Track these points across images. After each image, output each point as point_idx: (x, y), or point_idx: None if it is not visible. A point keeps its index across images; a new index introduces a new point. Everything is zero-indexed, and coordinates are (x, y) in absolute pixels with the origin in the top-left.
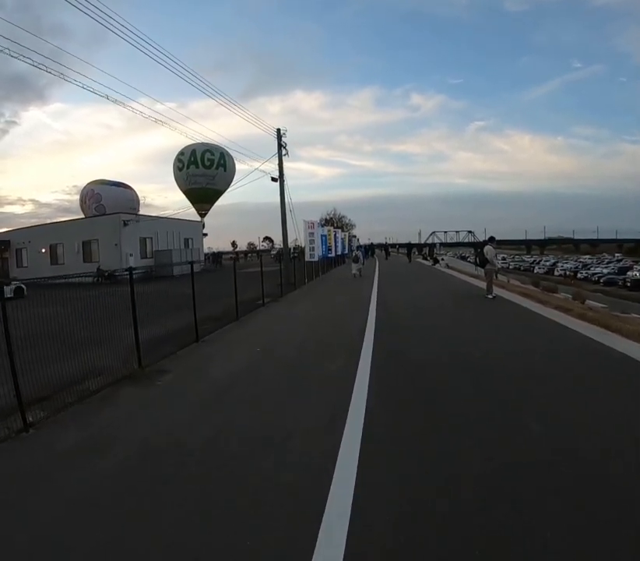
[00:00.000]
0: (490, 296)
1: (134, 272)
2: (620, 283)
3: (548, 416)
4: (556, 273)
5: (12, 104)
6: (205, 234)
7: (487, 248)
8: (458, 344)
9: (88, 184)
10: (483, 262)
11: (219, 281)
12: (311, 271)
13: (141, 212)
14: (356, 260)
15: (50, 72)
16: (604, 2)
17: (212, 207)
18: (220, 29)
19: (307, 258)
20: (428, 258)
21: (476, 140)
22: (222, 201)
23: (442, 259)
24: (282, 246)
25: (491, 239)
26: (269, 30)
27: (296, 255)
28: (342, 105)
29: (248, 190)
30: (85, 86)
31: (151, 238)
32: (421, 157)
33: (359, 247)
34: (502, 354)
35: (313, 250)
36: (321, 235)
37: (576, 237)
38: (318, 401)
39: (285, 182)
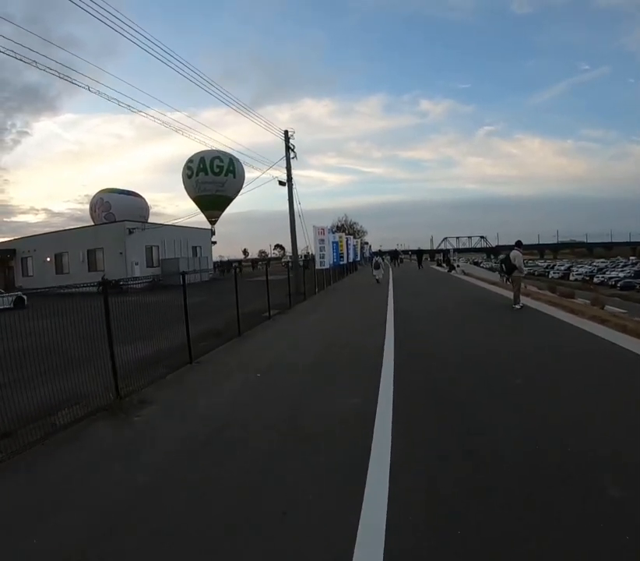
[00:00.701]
0: (517, 306)
1: (139, 281)
2: (637, 287)
3: None
4: (571, 277)
5: (24, 114)
6: (214, 242)
7: (514, 254)
8: (502, 373)
9: (97, 192)
10: (509, 268)
11: (226, 292)
12: (321, 280)
13: (151, 220)
14: (376, 267)
15: (65, 79)
16: (609, 3)
17: (223, 215)
18: (226, 39)
19: (317, 266)
20: (443, 264)
21: (486, 145)
22: (233, 209)
23: (458, 266)
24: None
25: (518, 244)
26: (275, 39)
27: (306, 263)
28: (350, 112)
29: (259, 198)
30: (98, 93)
31: (157, 247)
32: (431, 162)
33: (373, 254)
34: (567, 389)
35: (323, 258)
36: (333, 242)
37: (589, 240)
38: (327, 461)
39: (293, 186)
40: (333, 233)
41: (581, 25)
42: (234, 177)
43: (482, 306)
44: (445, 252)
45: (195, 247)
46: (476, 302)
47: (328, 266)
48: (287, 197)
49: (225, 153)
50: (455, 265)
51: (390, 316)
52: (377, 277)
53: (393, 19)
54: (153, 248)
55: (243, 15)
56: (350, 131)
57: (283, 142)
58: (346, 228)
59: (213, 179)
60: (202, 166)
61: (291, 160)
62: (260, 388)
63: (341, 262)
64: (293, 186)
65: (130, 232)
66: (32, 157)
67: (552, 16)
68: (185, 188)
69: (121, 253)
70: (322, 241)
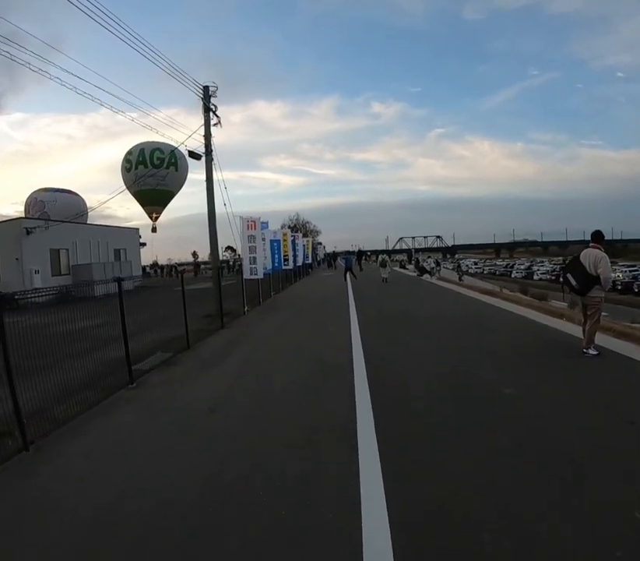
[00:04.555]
0: (591, 352)
1: (42, 294)
2: (619, 287)
3: None
4: (535, 277)
5: None
6: (144, 244)
7: (595, 255)
8: None
9: (33, 192)
10: (585, 282)
11: (139, 309)
12: (255, 292)
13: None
14: (383, 265)
15: None
16: (560, 11)
17: (181, 217)
18: (174, 35)
19: (245, 274)
20: (408, 266)
21: (437, 147)
22: (185, 211)
23: (432, 267)
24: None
25: (598, 237)
26: (225, 38)
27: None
28: (303, 114)
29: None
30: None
31: (67, 250)
32: (383, 164)
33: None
34: None
35: (254, 262)
36: (272, 241)
37: (544, 239)
38: None
39: (214, 162)
40: (275, 230)
41: (531, 31)
42: (177, 170)
43: (518, 351)
44: (410, 252)
45: (119, 250)
46: (514, 344)
47: (260, 275)
48: (213, 189)
49: (167, 144)
50: (429, 267)
51: (358, 377)
52: (383, 275)
53: (346, 22)
54: (61, 251)
55: (194, 12)
56: (303, 133)
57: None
58: (299, 228)
59: (153, 172)
60: (141, 158)
61: (215, 128)
62: None
63: (285, 267)
64: (214, 162)
65: (28, 232)
66: None
67: (503, 22)
68: (124, 182)
69: (17, 259)
70: (253, 238)
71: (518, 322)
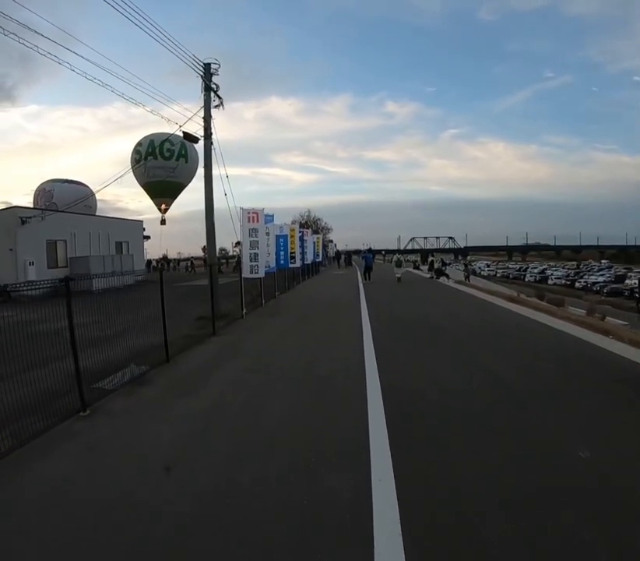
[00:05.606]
0: None
1: (35, 287)
2: (626, 293)
3: None
4: (550, 282)
5: None
6: (148, 237)
7: None
8: None
9: (41, 183)
10: None
11: (139, 304)
12: (258, 291)
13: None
14: (399, 265)
15: None
16: (577, 13)
17: (190, 212)
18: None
19: (245, 272)
20: (422, 268)
21: (451, 148)
22: (197, 205)
23: (445, 269)
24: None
25: None
26: (240, 33)
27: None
28: (316, 112)
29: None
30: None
31: (65, 241)
32: (396, 163)
33: (366, 251)
34: None
35: (256, 258)
36: (278, 236)
37: (557, 243)
38: None
39: (213, 146)
40: (282, 225)
41: (547, 33)
42: (187, 162)
43: (600, 393)
44: (425, 252)
45: (120, 242)
46: (569, 374)
47: (262, 274)
48: (211, 177)
49: (177, 135)
50: (444, 268)
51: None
52: (397, 275)
53: (360, 19)
54: (59, 243)
55: (207, 5)
56: (316, 130)
57: (202, 80)
58: (310, 225)
59: (163, 164)
60: (150, 150)
61: (217, 110)
62: None
63: (291, 265)
64: (213, 146)
65: (23, 222)
66: None
67: (519, 23)
68: (134, 174)
69: (10, 250)
70: (254, 232)
71: (562, 341)
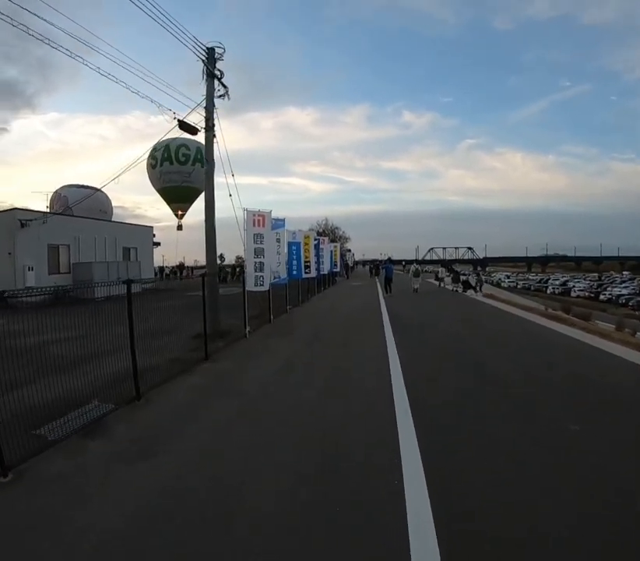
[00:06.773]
0: None
1: (35, 294)
2: None
3: None
4: (573, 294)
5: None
6: (158, 244)
7: None
8: None
9: (57, 189)
10: None
11: (141, 315)
12: (265, 304)
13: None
14: (416, 275)
15: None
16: (593, 22)
17: (222, 218)
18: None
19: (249, 284)
20: (443, 281)
21: (468, 158)
22: (218, 213)
23: (474, 281)
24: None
25: None
26: (256, 45)
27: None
28: (334, 122)
29: (248, 202)
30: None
31: (68, 246)
32: (413, 173)
33: (386, 261)
34: None
35: (261, 269)
36: (291, 243)
37: (577, 254)
38: None
39: (214, 138)
40: (294, 232)
41: (563, 42)
42: (203, 167)
43: None
44: (448, 263)
45: (128, 248)
46: None
47: (266, 286)
48: (213, 173)
49: (193, 140)
50: (474, 281)
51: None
52: (414, 286)
53: (378, 31)
54: (61, 247)
55: (225, 16)
56: (334, 140)
57: (204, 66)
58: (328, 234)
59: (179, 169)
60: (166, 155)
61: (221, 100)
62: None
63: (305, 275)
64: (214, 138)
65: (23, 225)
66: (12, 155)
67: (534, 33)
68: (150, 179)
69: (9, 254)
70: (260, 237)
71: None
